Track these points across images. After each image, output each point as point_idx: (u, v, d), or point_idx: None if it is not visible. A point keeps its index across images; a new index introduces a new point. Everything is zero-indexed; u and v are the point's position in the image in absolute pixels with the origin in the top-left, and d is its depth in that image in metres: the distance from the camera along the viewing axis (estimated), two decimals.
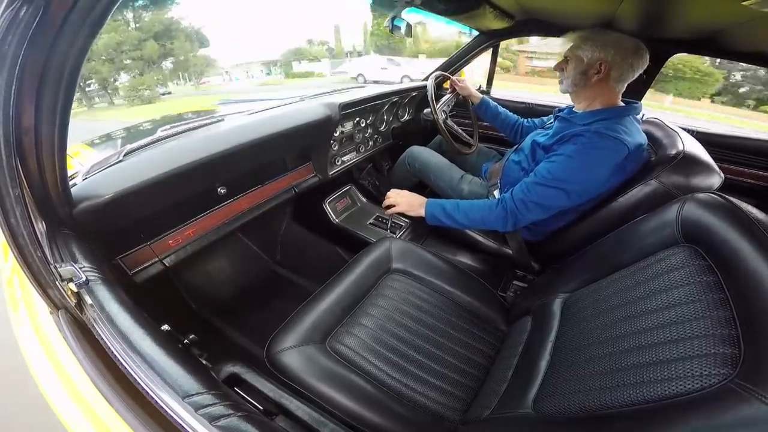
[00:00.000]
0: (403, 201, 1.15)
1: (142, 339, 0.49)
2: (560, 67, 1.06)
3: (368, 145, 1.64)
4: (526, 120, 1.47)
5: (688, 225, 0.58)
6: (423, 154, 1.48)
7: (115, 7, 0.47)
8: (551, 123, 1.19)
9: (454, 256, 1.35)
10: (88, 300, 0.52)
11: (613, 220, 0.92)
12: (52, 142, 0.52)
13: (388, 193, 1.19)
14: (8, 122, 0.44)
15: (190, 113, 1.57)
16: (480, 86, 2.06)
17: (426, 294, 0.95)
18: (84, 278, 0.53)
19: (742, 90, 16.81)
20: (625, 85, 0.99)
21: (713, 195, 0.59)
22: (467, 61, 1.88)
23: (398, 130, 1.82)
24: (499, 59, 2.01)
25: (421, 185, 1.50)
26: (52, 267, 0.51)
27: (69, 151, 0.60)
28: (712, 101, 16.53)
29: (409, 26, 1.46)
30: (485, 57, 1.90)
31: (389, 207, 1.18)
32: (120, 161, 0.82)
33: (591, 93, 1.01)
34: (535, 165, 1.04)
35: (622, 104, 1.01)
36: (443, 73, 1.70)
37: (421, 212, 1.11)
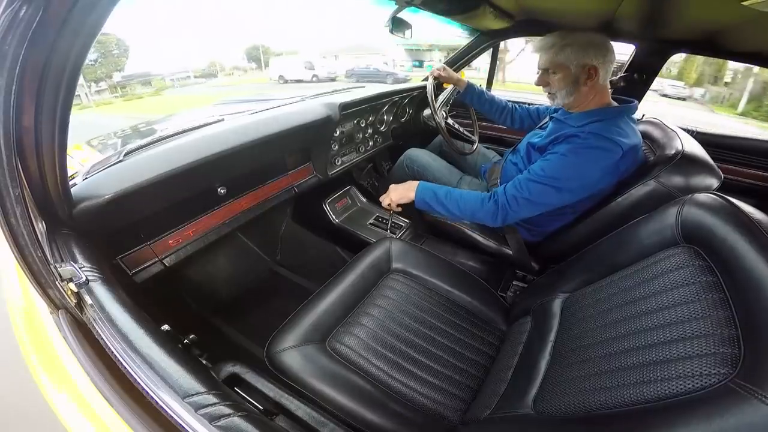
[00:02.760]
0: (395, 192, 1.12)
1: (142, 339, 0.49)
2: (544, 82, 1.03)
3: (368, 145, 1.64)
4: (518, 105, 1.46)
5: (687, 225, 0.58)
6: (421, 156, 1.47)
7: (115, 6, 0.47)
8: (546, 123, 1.19)
9: (453, 256, 1.35)
10: (88, 300, 0.52)
11: (612, 221, 0.92)
12: (52, 142, 0.52)
13: (383, 195, 1.18)
14: (8, 122, 0.44)
15: None
16: (480, 86, 2.06)
17: (426, 294, 0.95)
18: (84, 278, 0.53)
19: None
20: (608, 81, 0.99)
21: (713, 195, 0.59)
22: (467, 61, 1.88)
23: (398, 130, 1.82)
24: None
25: None
26: (52, 267, 0.51)
27: (69, 150, 0.60)
28: None
29: (409, 26, 1.46)
30: None
31: (389, 206, 1.17)
32: (120, 161, 0.82)
33: (584, 97, 1.01)
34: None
35: (615, 104, 1.01)
36: None
37: (412, 196, 1.08)
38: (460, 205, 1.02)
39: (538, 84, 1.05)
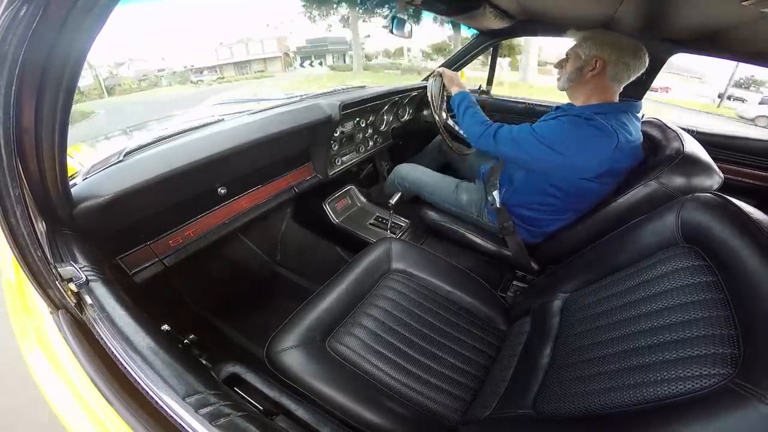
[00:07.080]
0: (448, 77, 1.35)
1: (142, 339, 0.49)
2: (561, 65, 1.08)
3: (368, 145, 1.64)
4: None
5: (687, 225, 0.58)
6: (411, 172, 1.45)
7: (115, 6, 0.47)
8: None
9: (453, 256, 1.35)
10: (88, 300, 0.52)
11: (612, 221, 0.92)
12: (52, 142, 0.51)
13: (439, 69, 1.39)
14: (8, 122, 0.44)
15: None
16: (480, 86, 2.06)
17: (426, 294, 0.95)
18: (84, 278, 0.53)
19: None
20: (622, 85, 0.99)
21: (713, 195, 0.59)
22: (467, 61, 1.88)
23: (398, 130, 1.82)
24: None
25: (417, 198, 1.49)
26: (52, 267, 0.51)
27: (69, 150, 0.60)
28: None
29: (410, 26, 1.46)
30: None
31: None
32: (120, 161, 0.82)
33: (587, 88, 1.02)
34: None
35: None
36: None
37: (453, 92, 1.29)
38: (465, 118, 1.18)
39: (556, 66, 1.12)
